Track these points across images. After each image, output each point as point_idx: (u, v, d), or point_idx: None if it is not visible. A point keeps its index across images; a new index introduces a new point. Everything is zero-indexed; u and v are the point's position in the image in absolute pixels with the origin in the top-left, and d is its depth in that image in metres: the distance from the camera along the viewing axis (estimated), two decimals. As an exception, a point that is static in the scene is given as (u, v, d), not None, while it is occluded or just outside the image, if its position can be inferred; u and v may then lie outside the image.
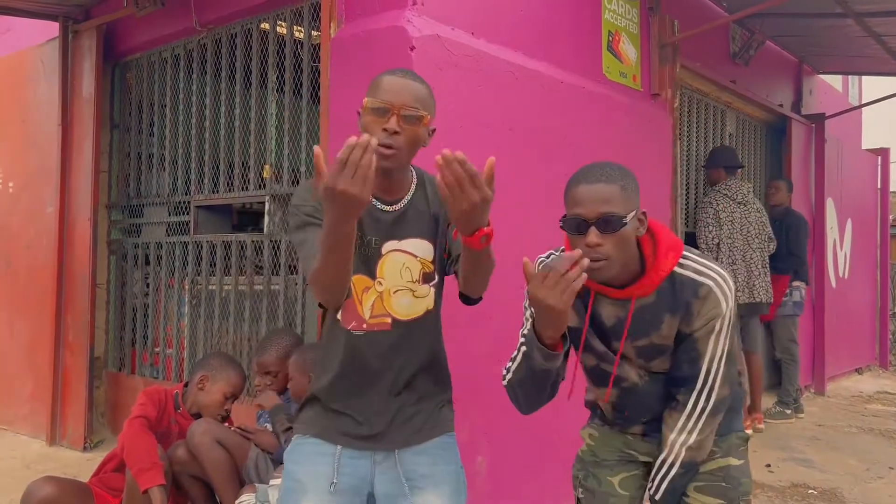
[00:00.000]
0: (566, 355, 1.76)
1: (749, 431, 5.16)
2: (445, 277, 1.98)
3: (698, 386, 1.79)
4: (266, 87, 3.88)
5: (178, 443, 2.81)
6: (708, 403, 1.80)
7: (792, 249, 5.62)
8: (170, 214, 4.42)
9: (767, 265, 5.28)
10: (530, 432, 3.34)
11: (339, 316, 1.89)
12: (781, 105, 6.55)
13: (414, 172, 1.95)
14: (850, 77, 8.19)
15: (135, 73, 4.71)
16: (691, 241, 5.39)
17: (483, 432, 3.24)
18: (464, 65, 3.18)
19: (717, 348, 1.78)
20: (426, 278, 1.92)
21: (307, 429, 1.95)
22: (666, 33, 4.57)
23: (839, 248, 7.48)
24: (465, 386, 3.20)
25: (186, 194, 4.31)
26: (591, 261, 1.61)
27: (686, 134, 5.51)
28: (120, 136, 4.76)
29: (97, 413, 4.63)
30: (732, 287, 1.78)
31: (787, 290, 5.68)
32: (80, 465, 4.15)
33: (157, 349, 4.49)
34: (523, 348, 1.79)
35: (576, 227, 1.68)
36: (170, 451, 2.76)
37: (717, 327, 1.76)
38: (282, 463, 2.73)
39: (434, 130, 1.89)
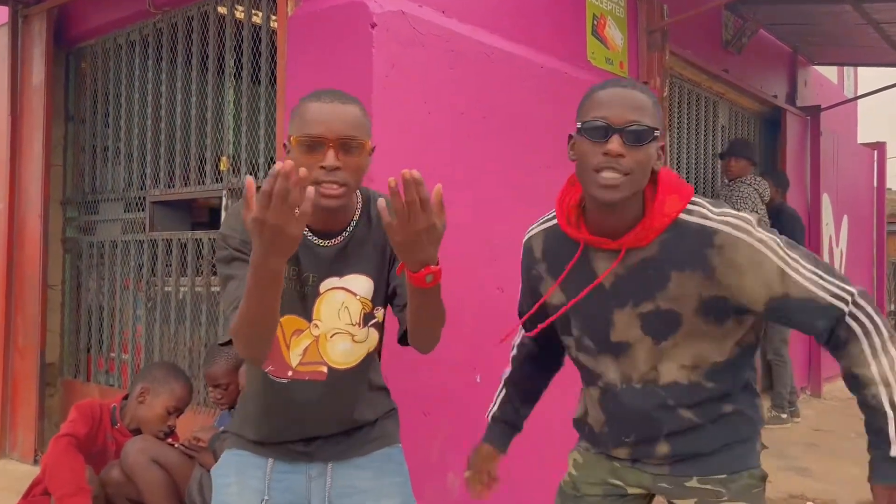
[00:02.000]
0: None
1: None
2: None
3: (847, 314, 1.42)
4: (223, 74, 3.60)
5: (112, 463, 2.54)
6: (870, 309, 1.42)
7: None
8: (125, 211, 4.13)
9: None
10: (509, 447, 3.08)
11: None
12: (776, 96, 6.30)
13: (359, 196, 1.70)
14: (845, 69, 7.97)
15: (89, 61, 4.42)
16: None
17: (455, 446, 2.97)
18: (432, 44, 2.92)
19: (806, 272, 1.43)
20: (366, 319, 1.69)
21: (235, 440, 1.77)
22: (654, 18, 4.32)
23: (835, 244, 7.25)
24: (437, 396, 2.94)
25: (142, 189, 4.03)
26: (607, 171, 1.40)
27: (676, 125, 5.26)
28: (75, 128, 4.46)
29: (50, 423, 4.33)
30: (756, 224, 1.46)
31: None
32: (30, 478, 3.85)
33: (112, 354, 4.20)
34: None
35: (598, 131, 1.42)
36: (103, 473, 2.50)
37: (780, 259, 1.42)
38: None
39: (373, 149, 1.63)
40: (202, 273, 3.65)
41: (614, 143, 1.40)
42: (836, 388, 6.98)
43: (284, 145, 1.60)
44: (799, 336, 5.96)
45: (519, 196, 3.18)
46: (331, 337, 1.66)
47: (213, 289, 3.60)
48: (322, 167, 1.51)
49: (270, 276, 1.33)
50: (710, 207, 1.48)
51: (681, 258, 1.45)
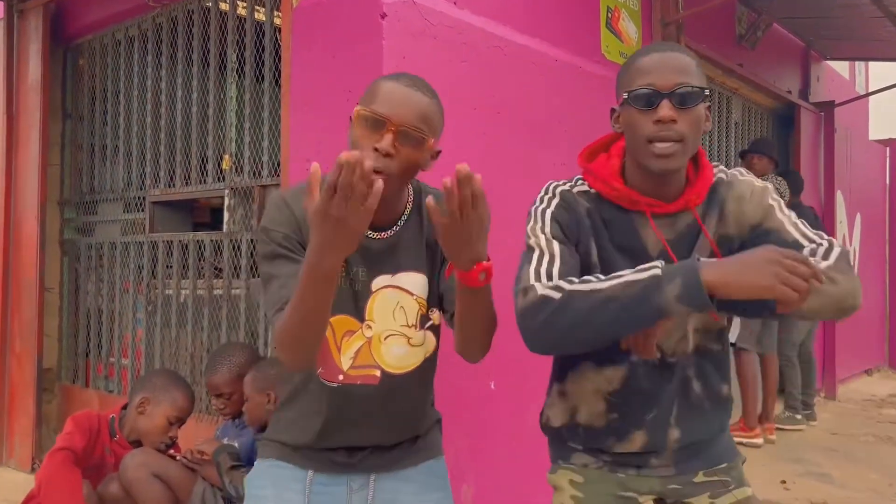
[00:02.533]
0: None
1: (760, 440, 4.81)
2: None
3: (825, 246, 1.42)
4: (225, 70, 3.47)
5: (110, 476, 2.41)
6: (832, 246, 1.42)
7: None
8: (124, 211, 4.01)
9: None
10: (521, 458, 2.95)
11: None
12: (790, 92, 6.17)
13: (411, 189, 1.60)
14: (856, 64, 7.83)
15: (87, 58, 4.29)
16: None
17: (469, 457, 2.85)
18: (443, 36, 2.79)
19: (793, 219, 1.49)
20: (423, 321, 1.58)
21: (272, 448, 1.65)
22: (669, 10, 4.18)
23: (848, 243, 7.12)
24: (449, 404, 2.81)
25: (141, 189, 3.90)
26: (661, 142, 1.36)
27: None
28: (73, 126, 4.34)
29: (48, 430, 4.21)
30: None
31: None
32: (27, 488, 3.72)
33: (112, 359, 4.08)
34: (656, 271, 1.33)
35: (646, 99, 1.38)
36: (101, 488, 2.37)
37: (770, 206, 1.47)
38: (232, 498, 2.33)
39: (439, 153, 1.54)
40: (203, 275, 3.52)
41: (665, 109, 1.36)
42: (850, 389, 6.86)
43: (350, 118, 1.50)
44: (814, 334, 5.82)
45: (532, 193, 3.05)
46: (385, 339, 1.56)
47: (215, 292, 3.47)
48: (376, 148, 1.42)
49: (326, 274, 1.24)
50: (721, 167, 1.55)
51: (710, 211, 1.47)
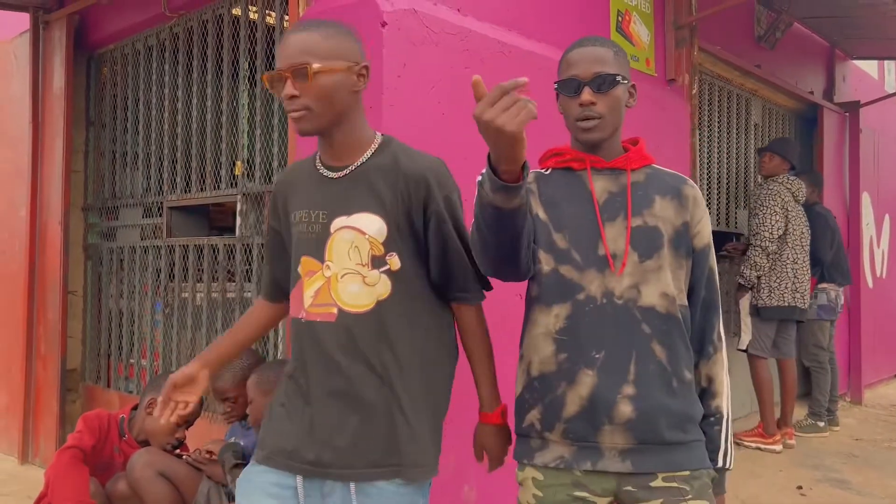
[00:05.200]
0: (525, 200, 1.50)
1: (778, 447, 4.75)
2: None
3: (720, 309, 1.73)
4: (237, 77, 3.55)
5: (118, 475, 2.49)
6: (723, 333, 1.74)
7: (812, 250, 5.13)
8: (144, 216, 4.11)
9: (809, 272, 4.89)
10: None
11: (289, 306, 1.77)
12: (812, 92, 6.08)
13: (378, 137, 1.72)
14: (885, 63, 7.67)
15: (109, 66, 4.41)
16: (719, 241, 4.97)
17: (470, 458, 2.87)
18: (446, 43, 2.82)
19: (714, 258, 1.74)
20: (375, 262, 1.64)
21: (258, 451, 1.69)
22: (682, 13, 4.17)
23: (876, 245, 6.98)
24: (451, 407, 2.84)
25: (159, 194, 4.00)
26: (584, 120, 1.65)
27: (706, 123, 5.09)
28: (95, 134, 4.46)
29: (72, 429, 4.30)
30: None
31: (813, 293, 5.23)
32: (51, 486, 3.86)
33: (132, 361, 4.18)
34: (478, 188, 1.54)
35: (571, 87, 1.67)
36: (109, 486, 2.44)
37: (709, 235, 1.72)
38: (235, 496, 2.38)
39: (364, 68, 1.70)
40: (218, 279, 3.60)
41: (585, 94, 1.64)
42: (877, 394, 6.73)
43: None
44: (837, 340, 5.73)
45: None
46: (342, 277, 1.65)
47: (228, 295, 3.55)
48: (284, 96, 1.61)
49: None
50: None
51: (662, 187, 1.70)
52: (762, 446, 4.72)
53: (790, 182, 4.79)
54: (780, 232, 4.70)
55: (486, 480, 2.92)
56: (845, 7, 5.29)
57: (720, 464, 1.66)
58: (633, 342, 1.60)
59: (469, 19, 2.98)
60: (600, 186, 1.70)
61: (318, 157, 1.75)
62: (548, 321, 1.65)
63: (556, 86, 1.72)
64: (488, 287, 1.79)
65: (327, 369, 1.63)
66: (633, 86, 1.73)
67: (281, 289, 1.84)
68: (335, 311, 1.63)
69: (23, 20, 4.46)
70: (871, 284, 6.76)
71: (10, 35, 4.69)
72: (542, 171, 1.79)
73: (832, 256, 5.31)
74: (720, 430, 1.66)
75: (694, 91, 4.20)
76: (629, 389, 1.57)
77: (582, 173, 1.72)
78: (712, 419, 1.66)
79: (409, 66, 2.67)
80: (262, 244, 3.32)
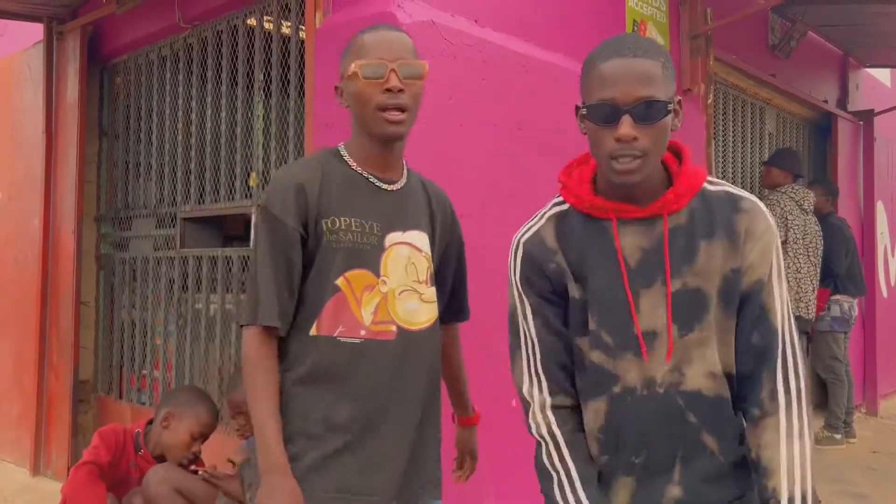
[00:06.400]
0: None
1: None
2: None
3: (780, 359, 1.31)
4: (252, 88, 3.54)
5: (134, 490, 2.47)
6: (800, 383, 1.32)
7: (825, 260, 5.07)
8: (157, 227, 4.10)
9: (817, 281, 4.83)
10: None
11: (315, 324, 1.52)
12: (826, 101, 6.04)
13: (403, 160, 1.69)
14: (899, 71, 7.63)
15: (122, 77, 4.41)
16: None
17: (489, 476, 2.83)
18: (464, 55, 2.80)
19: (783, 294, 1.35)
20: (431, 280, 1.64)
21: (317, 479, 1.50)
22: (697, 22, 4.15)
23: (890, 255, 6.92)
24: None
25: (173, 205, 3.99)
26: (623, 159, 1.28)
27: (721, 133, 5.05)
28: (109, 144, 4.46)
29: (84, 440, 4.30)
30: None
31: (826, 305, 5.18)
32: (63, 498, 3.83)
33: (144, 372, 4.16)
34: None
35: (605, 115, 1.27)
36: (125, 501, 2.42)
37: (777, 261, 1.35)
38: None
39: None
40: (231, 290, 3.58)
41: (625, 126, 1.26)
42: (893, 405, 6.66)
43: (336, 88, 1.61)
44: (852, 351, 5.67)
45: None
46: (399, 294, 1.57)
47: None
48: (388, 89, 1.51)
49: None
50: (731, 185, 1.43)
51: (710, 226, 1.34)
52: (779, 459, 4.67)
53: (794, 191, 4.73)
54: (782, 239, 4.66)
55: (506, 495, 2.89)
56: (859, 15, 5.26)
57: None
58: (678, 437, 1.34)
59: (486, 30, 2.96)
60: (630, 243, 1.35)
61: (347, 162, 1.59)
62: (589, 419, 1.41)
63: (581, 109, 1.33)
64: None
65: (391, 392, 1.54)
66: (680, 101, 1.34)
67: (290, 312, 1.55)
68: (394, 328, 1.56)
69: (37, 31, 4.47)
70: (885, 294, 6.70)
71: (24, 46, 4.70)
72: (561, 205, 1.46)
73: (846, 267, 5.26)
74: None
75: (710, 101, 4.17)
76: (675, 491, 1.35)
77: (607, 223, 1.37)
78: None
79: (427, 78, 2.65)
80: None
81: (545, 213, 1.48)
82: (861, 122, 6.42)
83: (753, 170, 5.52)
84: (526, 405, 1.44)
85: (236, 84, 3.61)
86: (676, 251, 1.33)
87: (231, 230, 4.23)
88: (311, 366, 1.52)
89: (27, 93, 4.61)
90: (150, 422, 2.65)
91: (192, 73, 3.89)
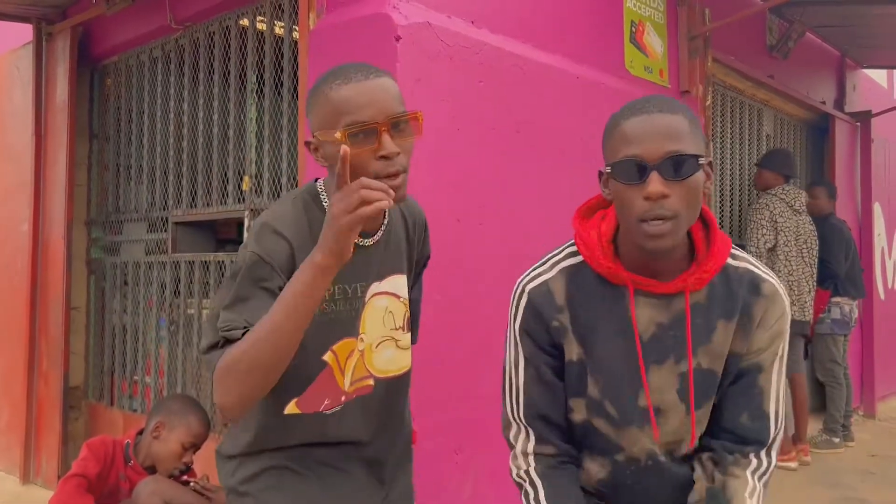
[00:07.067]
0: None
1: (794, 464, 4.66)
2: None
3: (770, 441, 1.35)
4: (245, 90, 3.48)
5: (124, 502, 2.40)
6: (771, 464, 1.35)
7: (825, 262, 5.03)
8: (148, 231, 4.03)
9: (814, 282, 4.79)
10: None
11: (294, 402, 1.42)
12: (824, 102, 6.01)
13: None
14: (895, 72, 7.60)
15: (113, 78, 4.34)
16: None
17: (487, 484, 2.79)
18: (460, 57, 2.75)
19: (780, 382, 1.35)
20: (407, 325, 1.56)
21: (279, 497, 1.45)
22: (696, 23, 4.11)
23: (888, 256, 6.90)
24: (469, 432, 2.76)
25: (164, 209, 3.92)
26: (653, 222, 1.20)
27: (720, 135, 5.02)
28: (99, 146, 4.39)
29: (75, 448, 4.24)
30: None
31: (826, 307, 5.14)
32: (53, 506, 3.76)
33: (135, 378, 4.10)
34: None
35: (631, 172, 1.21)
36: (114, 515, 2.36)
37: (782, 349, 1.34)
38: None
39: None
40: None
41: (655, 183, 1.19)
42: (891, 407, 6.64)
43: (308, 144, 1.40)
44: (850, 353, 5.64)
45: (555, 217, 2.99)
46: (376, 347, 1.49)
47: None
48: (383, 156, 1.29)
49: (319, 291, 1.24)
50: (752, 258, 1.39)
51: (729, 307, 1.30)
52: (778, 464, 4.63)
53: (785, 193, 4.69)
54: (770, 245, 4.62)
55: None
56: (857, 16, 5.24)
57: None
58: (678, 490, 1.38)
59: (483, 32, 2.91)
60: (646, 316, 1.31)
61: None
62: (592, 468, 1.42)
63: (607, 170, 1.28)
64: None
65: (370, 432, 1.52)
66: (710, 163, 1.28)
67: None
68: (371, 382, 1.50)
69: (26, 32, 4.40)
70: (882, 296, 6.67)
71: (12, 47, 4.63)
72: (574, 256, 1.39)
73: (847, 269, 5.22)
74: None
75: (708, 102, 4.13)
76: None
77: (623, 290, 1.32)
78: None
79: (424, 81, 2.60)
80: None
81: (556, 261, 1.41)
82: (858, 124, 6.40)
83: (752, 171, 5.48)
84: (510, 447, 1.42)
85: (229, 86, 3.55)
86: (694, 330, 1.30)
87: (224, 234, 4.17)
88: (277, 435, 1.46)
89: (16, 94, 4.53)
90: (141, 432, 2.59)
91: (183, 74, 3.82)
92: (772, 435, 1.34)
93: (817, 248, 4.81)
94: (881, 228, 6.71)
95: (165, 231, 3.87)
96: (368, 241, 1.45)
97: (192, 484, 2.47)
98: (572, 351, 1.35)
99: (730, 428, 1.33)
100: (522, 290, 1.39)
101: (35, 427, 4.23)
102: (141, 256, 4.06)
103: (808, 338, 5.01)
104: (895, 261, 7.07)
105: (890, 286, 6.92)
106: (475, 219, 2.78)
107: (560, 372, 1.36)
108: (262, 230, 1.38)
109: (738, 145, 5.28)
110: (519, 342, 1.39)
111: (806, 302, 4.71)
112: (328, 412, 1.45)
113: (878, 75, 7.25)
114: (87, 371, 4.33)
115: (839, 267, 5.12)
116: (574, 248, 1.40)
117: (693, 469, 1.39)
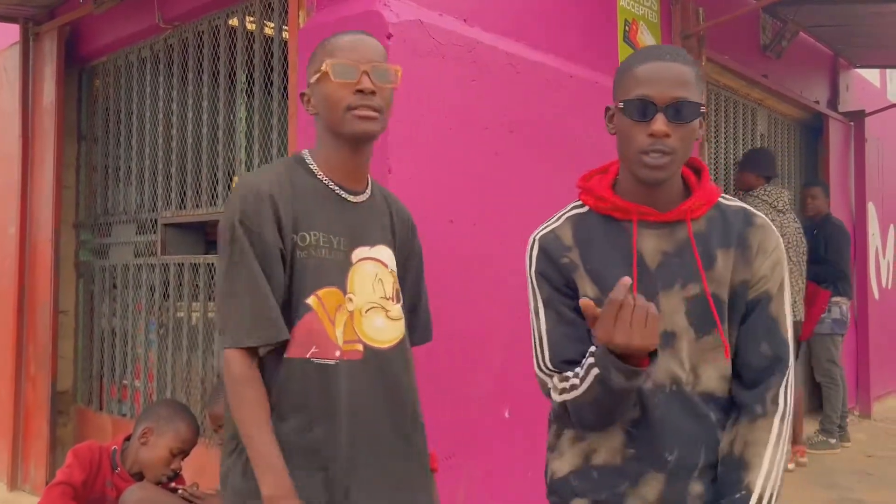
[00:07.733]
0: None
1: (791, 465, 4.63)
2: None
3: (790, 369, 1.40)
4: (234, 90, 3.43)
5: (110, 511, 2.35)
6: (793, 396, 1.41)
7: (833, 262, 5.02)
8: (137, 233, 3.98)
9: (804, 281, 4.75)
10: (539, 489, 2.84)
11: (289, 351, 1.47)
12: (817, 102, 6.00)
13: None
14: (887, 71, 7.61)
15: (101, 79, 4.29)
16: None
17: (481, 489, 2.75)
18: (452, 55, 2.72)
19: (788, 312, 1.44)
20: (398, 296, 1.59)
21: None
22: (689, 22, 4.08)
23: (882, 256, 6.90)
24: (463, 436, 2.72)
25: (153, 211, 3.87)
26: (653, 154, 1.35)
27: (713, 135, 4.99)
28: (87, 148, 4.34)
29: (63, 453, 4.17)
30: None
31: (826, 307, 5.10)
32: (41, 513, 3.71)
33: (125, 382, 4.04)
34: (594, 370, 1.32)
35: (641, 110, 1.35)
36: (100, 523, 2.31)
37: (784, 277, 1.44)
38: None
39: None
40: (214, 298, 3.47)
41: (659, 123, 1.33)
42: (886, 407, 6.63)
43: (303, 95, 1.62)
44: (845, 353, 5.62)
45: (549, 216, 2.95)
46: (366, 312, 1.53)
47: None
48: (359, 90, 1.48)
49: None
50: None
51: (725, 236, 1.43)
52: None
53: (767, 193, 4.63)
54: None
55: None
56: (850, 15, 5.23)
57: None
58: (702, 434, 1.40)
59: (475, 30, 2.88)
60: (651, 246, 1.41)
61: (314, 171, 1.55)
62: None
63: (618, 105, 1.38)
64: None
65: (359, 416, 1.49)
66: (705, 114, 1.42)
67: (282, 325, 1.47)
68: (361, 347, 1.51)
69: (12, 32, 4.34)
70: (877, 296, 6.67)
71: (2, 47, 4.58)
72: (580, 207, 1.51)
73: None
74: None
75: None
76: (697, 488, 1.40)
77: (627, 225, 1.43)
78: (737, 497, 1.35)
79: (415, 78, 2.56)
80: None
81: (563, 214, 1.53)
82: (852, 123, 6.39)
83: (744, 171, 5.46)
84: (543, 385, 1.48)
85: (218, 86, 3.50)
86: (696, 256, 1.41)
87: (213, 236, 4.12)
88: (280, 393, 1.46)
89: (3, 96, 4.47)
90: (128, 438, 2.54)
91: (172, 74, 3.78)
92: (790, 362, 1.40)
93: (805, 246, 4.76)
94: (875, 228, 6.70)
95: (155, 233, 3.82)
96: (354, 199, 1.56)
97: (180, 491, 2.42)
98: (586, 288, 1.43)
99: (752, 356, 1.40)
100: (534, 241, 1.51)
101: (23, 432, 4.17)
102: (130, 259, 4.01)
103: (799, 339, 4.98)
104: (889, 260, 7.07)
105: (884, 286, 6.92)
106: (468, 219, 2.74)
107: (580, 310, 1.38)
108: (238, 190, 1.52)
109: (733, 145, 5.26)
110: (536, 288, 1.48)
111: (796, 301, 4.66)
112: (318, 362, 1.46)
113: (871, 75, 7.25)
114: (75, 375, 4.27)
115: (847, 265, 5.10)
116: (579, 202, 1.52)
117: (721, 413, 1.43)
